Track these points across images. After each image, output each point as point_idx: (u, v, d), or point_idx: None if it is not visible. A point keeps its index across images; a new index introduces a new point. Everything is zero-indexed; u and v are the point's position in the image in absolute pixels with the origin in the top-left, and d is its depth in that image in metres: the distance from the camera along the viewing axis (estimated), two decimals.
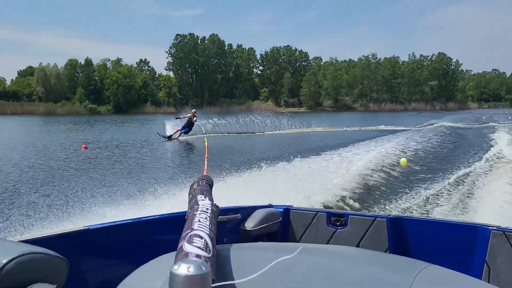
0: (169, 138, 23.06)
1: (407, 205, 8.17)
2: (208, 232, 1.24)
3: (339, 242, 2.87)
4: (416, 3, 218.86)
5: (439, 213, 7.56)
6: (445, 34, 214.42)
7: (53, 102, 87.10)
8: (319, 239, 2.95)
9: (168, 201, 7.47)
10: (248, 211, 2.94)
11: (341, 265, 1.26)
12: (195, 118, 23.59)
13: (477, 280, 1.31)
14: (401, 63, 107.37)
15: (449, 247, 2.71)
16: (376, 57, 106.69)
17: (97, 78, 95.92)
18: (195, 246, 1.13)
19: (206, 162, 3.14)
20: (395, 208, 7.92)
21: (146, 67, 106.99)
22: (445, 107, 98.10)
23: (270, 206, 3.15)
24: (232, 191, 7.50)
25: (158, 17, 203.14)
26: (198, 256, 1.09)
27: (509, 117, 48.48)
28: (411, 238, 2.81)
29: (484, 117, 49.94)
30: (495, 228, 2.60)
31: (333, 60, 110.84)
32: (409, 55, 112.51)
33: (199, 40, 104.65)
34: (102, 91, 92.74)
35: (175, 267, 0.90)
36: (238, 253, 1.31)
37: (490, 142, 19.94)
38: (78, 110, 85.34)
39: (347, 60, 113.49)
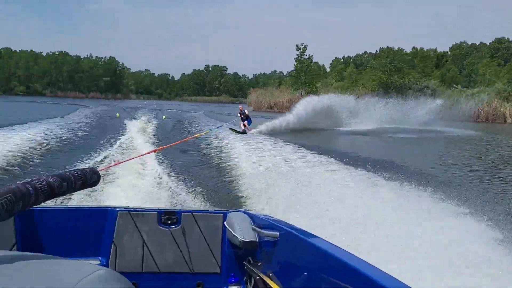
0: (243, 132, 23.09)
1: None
2: None
3: None
4: None
5: (73, 200, 6.89)
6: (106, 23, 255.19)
7: None
8: None
9: None
10: None
11: None
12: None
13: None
14: (83, 60, 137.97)
15: (81, 233, 2.77)
16: (65, 54, 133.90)
17: None
18: None
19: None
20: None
21: None
22: (115, 97, 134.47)
23: None
24: None
25: None
26: None
27: (155, 106, 62.20)
28: (43, 230, 2.71)
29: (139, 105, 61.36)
30: (122, 208, 2.80)
31: (23, 52, 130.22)
32: (88, 55, 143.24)
33: None
34: None
35: None
36: None
37: (125, 129, 20.89)
38: None
39: (29, 50, 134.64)
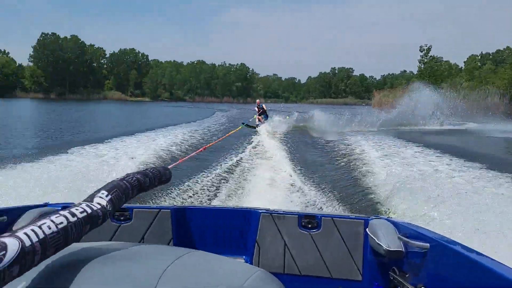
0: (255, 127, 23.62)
1: (190, 194, 8.23)
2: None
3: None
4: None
5: (217, 200, 7.88)
6: (236, 34, 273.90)
7: None
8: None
9: None
10: (18, 212, 2.50)
11: (99, 262, 1.23)
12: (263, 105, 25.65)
13: (237, 260, 1.43)
14: (217, 67, 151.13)
15: (227, 232, 2.94)
16: (202, 62, 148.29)
17: None
18: None
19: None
20: (178, 198, 7.88)
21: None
22: (245, 101, 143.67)
23: (45, 205, 2.75)
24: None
25: None
26: None
27: (281, 107, 59.50)
28: (194, 227, 2.93)
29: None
30: (264, 210, 2.90)
31: (167, 63, 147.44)
32: (222, 62, 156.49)
33: (60, 40, 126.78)
34: None
35: None
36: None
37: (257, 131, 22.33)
38: None
39: (172, 61, 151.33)
